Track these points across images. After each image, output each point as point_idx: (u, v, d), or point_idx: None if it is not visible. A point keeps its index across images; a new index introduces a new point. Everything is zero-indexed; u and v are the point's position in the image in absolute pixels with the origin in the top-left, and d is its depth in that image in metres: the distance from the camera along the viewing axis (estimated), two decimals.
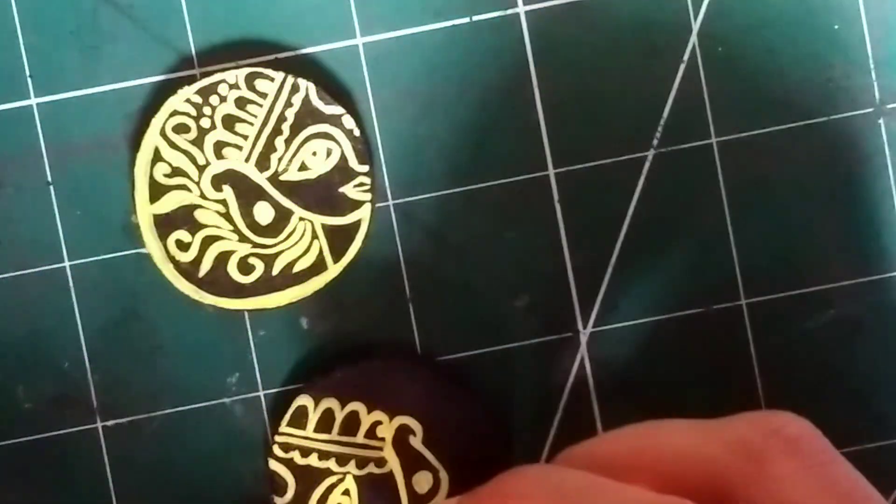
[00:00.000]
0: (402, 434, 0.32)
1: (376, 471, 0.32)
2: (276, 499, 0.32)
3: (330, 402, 0.32)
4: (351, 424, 0.32)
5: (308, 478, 0.32)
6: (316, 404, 0.32)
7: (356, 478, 0.32)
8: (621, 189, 0.33)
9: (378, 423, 0.32)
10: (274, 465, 0.32)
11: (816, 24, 0.33)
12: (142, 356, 0.33)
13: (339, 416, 0.32)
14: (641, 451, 0.24)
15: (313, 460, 0.32)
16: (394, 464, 0.32)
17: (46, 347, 0.33)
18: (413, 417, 0.32)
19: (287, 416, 0.32)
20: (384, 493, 0.32)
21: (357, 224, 0.33)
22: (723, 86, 0.33)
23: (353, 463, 0.32)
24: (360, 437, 0.32)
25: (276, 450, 0.32)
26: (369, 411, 0.32)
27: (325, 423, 0.32)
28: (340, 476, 0.32)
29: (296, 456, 0.32)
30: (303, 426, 0.32)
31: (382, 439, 0.32)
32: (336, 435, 0.32)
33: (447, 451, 0.32)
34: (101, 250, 0.33)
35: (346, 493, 0.32)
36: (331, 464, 0.32)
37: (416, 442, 0.32)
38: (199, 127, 0.32)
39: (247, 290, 0.33)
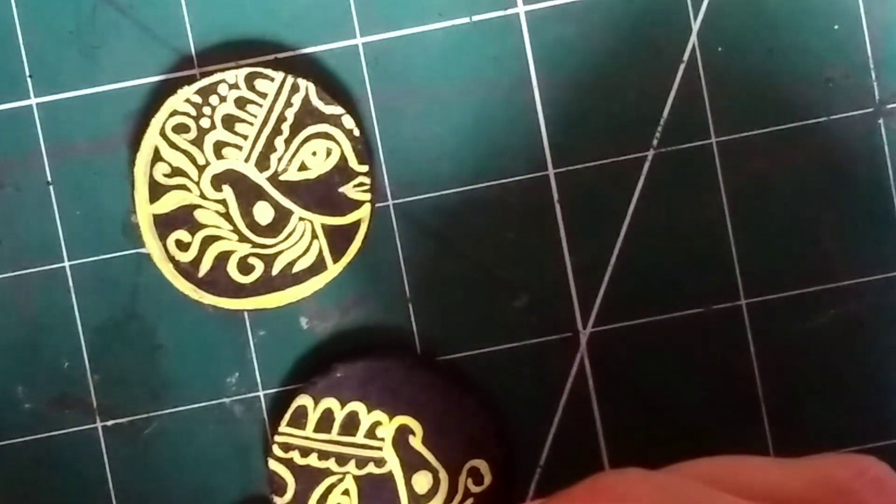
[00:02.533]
0: (401, 434, 0.32)
1: (376, 471, 0.32)
2: (276, 499, 0.32)
3: (330, 403, 0.32)
4: (351, 424, 0.32)
5: (308, 478, 0.32)
6: (316, 404, 0.32)
7: (356, 478, 0.32)
8: (621, 189, 0.33)
9: (378, 423, 0.32)
10: (273, 465, 0.32)
11: (816, 24, 0.33)
12: (142, 356, 0.33)
13: (339, 416, 0.32)
14: (725, 477, 0.23)
15: (313, 460, 0.32)
16: (393, 464, 0.32)
17: (46, 347, 0.33)
18: (413, 417, 0.32)
19: (287, 416, 0.32)
20: (384, 493, 0.32)
21: (357, 224, 0.33)
22: (723, 86, 0.33)
23: (352, 463, 0.32)
24: (359, 437, 0.32)
25: (276, 450, 0.32)
26: (369, 411, 0.32)
27: (324, 423, 0.32)
28: (340, 476, 0.32)
29: (295, 456, 0.32)
30: (302, 426, 0.32)
31: (382, 439, 0.32)
32: (336, 435, 0.32)
33: (447, 451, 0.32)
34: (101, 250, 0.33)
35: (346, 493, 0.32)
36: (330, 464, 0.32)
37: (415, 442, 0.32)
38: (198, 127, 0.32)
39: (246, 290, 0.33)
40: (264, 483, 0.33)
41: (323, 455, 0.32)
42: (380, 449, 0.32)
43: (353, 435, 0.32)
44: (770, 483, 0.23)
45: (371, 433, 0.32)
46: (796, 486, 0.23)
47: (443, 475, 0.32)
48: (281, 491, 0.32)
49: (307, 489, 0.32)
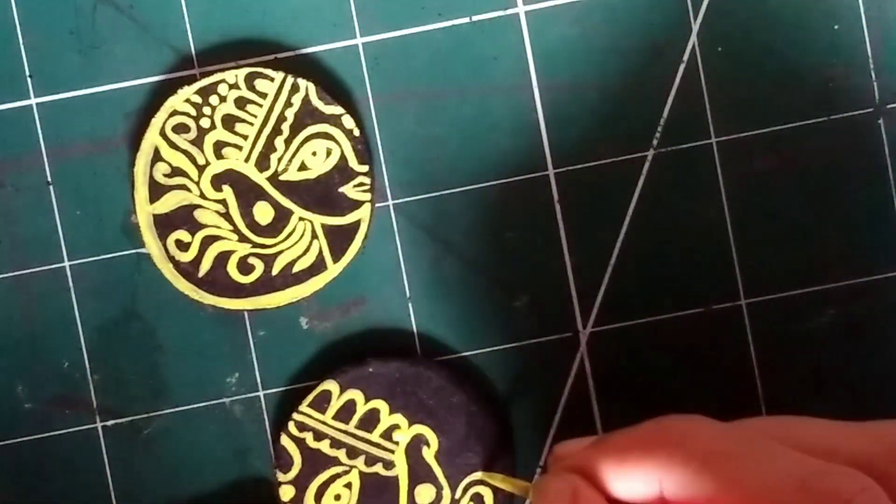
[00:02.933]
0: (416, 442, 0.32)
1: (383, 472, 0.32)
2: (279, 474, 0.32)
3: (354, 394, 0.32)
4: (370, 421, 0.32)
5: (315, 461, 0.32)
6: (341, 392, 0.32)
7: (362, 474, 0.32)
8: (621, 189, 0.33)
9: (396, 426, 0.32)
10: (285, 440, 0.32)
11: (816, 24, 0.33)
12: (142, 356, 0.33)
13: (361, 409, 0.32)
14: (783, 435, 0.24)
15: (325, 446, 0.32)
16: (401, 469, 0.32)
17: (46, 347, 0.33)
18: (432, 430, 0.32)
19: (310, 397, 0.32)
20: (385, 495, 0.32)
21: (357, 224, 0.33)
22: (723, 86, 0.33)
23: (362, 458, 0.32)
24: (375, 436, 0.32)
25: (291, 426, 0.32)
26: (391, 412, 0.32)
27: (345, 413, 0.32)
28: (346, 468, 0.32)
29: (308, 438, 0.32)
30: (323, 411, 0.32)
31: (397, 443, 0.32)
32: (353, 427, 0.32)
33: (457, 471, 0.32)
34: (101, 250, 0.33)
35: (349, 486, 0.32)
36: (341, 454, 0.32)
37: (428, 454, 0.32)
38: (198, 127, 0.32)
39: (247, 290, 0.33)
40: (263, 484, 0.33)
41: (336, 443, 0.32)
42: (392, 452, 0.32)
43: (370, 432, 0.32)
44: (831, 441, 0.23)
45: (388, 434, 0.32)
46: (858, 445, 0.23)
47: (446, 493, 0.32)
48: (286, 468, 0.32)
49: (311, 473, 0.32)
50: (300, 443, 0.32)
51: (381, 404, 0.32)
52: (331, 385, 0.32)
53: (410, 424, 0.32)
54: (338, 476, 0.32)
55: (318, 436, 0.32)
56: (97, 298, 0.33)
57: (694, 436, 0.23)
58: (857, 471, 0.21)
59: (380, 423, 0.32)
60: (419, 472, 0.32)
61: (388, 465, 0.32)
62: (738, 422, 0.25)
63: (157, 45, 0.33)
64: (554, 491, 0.24)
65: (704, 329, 0.33)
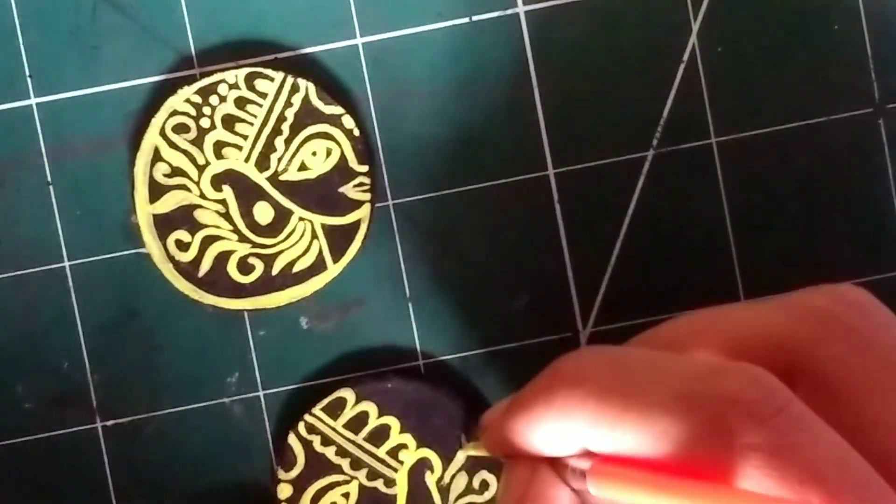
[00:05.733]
0: (420, 466, 0.32)
1: (382, 489, 0.32)
2: (280, 471, 0.32)
3: (369, 406, 0.32)
4: (379, 436, 0.32)
5: (317, 466, 0.32)
6: (356, 402, 0.32)
7: (361, 486, 0.32)
8: (621, 189, 0.33)
9: (404, 445, 0.32)
10: (292, 440, 0.32)
11: (816, 24, 0.33)
12: (142, 356, 0.33)
13: (373, 423, 0.32)
14: (705, 327, 0.23)
15: (330, 453, 0.32)
16: (401, 490, 0.32)
17: (46, 347, 0.33)
18: (438, 455, 0.32)
19: (324, 402, 0.32)
20: None
21: (357, 224, 0.33)
22: (723, 86, 0.33)
23: (364, 472, 0.32)
24: (381, 451, 0.32)
25: (301, 427, 0.32)
26: (401, 431, 0.32)
27: (356, 424, 0.32)
28: (347, 478, 0.32)
29: (316, 441, 0.32)
30: (335, 417, 0.32)
31: (402, 462, 0.32)
32: (361, 439, 0.32)
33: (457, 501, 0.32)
34: (101, 250, 0.33)
35: (346, 496, 0.32)
36: (344, 463, 0.32)
37: (430, 480, 0.32)
38: (198, 127, 0.32)
39: (246, 290, 0.33)
40: (261, 486, 0.33)
41: (341, 452, 0.32)
42: (395, 471, 0.32)
43: (377, 447, 0.32)
44: (753, 320, 0.23)
45: (394, 453, 0.32)
46: (778, 321, 0.23)
47: None
48: (288, 466, 0.32)
49: (312, 476, 0.32)
50: (307, 444, 0.32)
51: (393, 421, 0.32)
52: (347, 393, 0.32)
53: (418, 447, 0.32)
54: (337, 484, 0.32)
55: (326, 441, 0.32)
56: (97, 298, 0.33)
57: (586, 375, 0.22)
58: (745, 364, 0.21)
59: (388, 439, 0.32)
60: (418, 497, 0.32)
61: (390, 483, 0.32)
62: (658, 327, 0.24)
63: (157, 45, 0.33)
64: (512, 483, 0.24)
65: None
